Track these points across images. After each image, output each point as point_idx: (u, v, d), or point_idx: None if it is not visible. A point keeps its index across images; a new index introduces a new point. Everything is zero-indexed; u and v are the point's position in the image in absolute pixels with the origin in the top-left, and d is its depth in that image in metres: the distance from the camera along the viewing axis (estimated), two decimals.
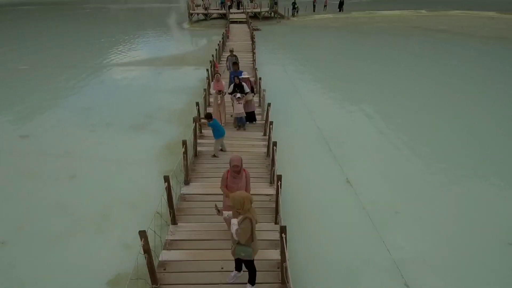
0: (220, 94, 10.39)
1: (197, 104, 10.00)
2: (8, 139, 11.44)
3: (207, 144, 9.39)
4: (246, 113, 10.44)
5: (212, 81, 11.12)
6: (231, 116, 10.91)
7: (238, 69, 11.97)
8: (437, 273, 6.11)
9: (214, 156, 8.85)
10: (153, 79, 18.39)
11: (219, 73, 11.09)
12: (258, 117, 11.38)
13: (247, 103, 10.48)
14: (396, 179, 9.04)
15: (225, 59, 14.73)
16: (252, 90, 10.78)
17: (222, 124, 9.65)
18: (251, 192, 5.35)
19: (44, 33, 34.85)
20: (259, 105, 12.28)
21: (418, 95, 15.52)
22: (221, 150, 9.08)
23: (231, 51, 14.38)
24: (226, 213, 5.17)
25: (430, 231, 7.13)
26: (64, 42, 29.59)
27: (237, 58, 13.94)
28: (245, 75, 11.18)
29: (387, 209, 7.78)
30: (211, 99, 11.34)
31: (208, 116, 8.48)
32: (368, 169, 9.43)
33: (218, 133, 8.62)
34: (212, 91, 10.55)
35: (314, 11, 42.95)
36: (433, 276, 6.04)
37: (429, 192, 8.49)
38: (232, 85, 10.48)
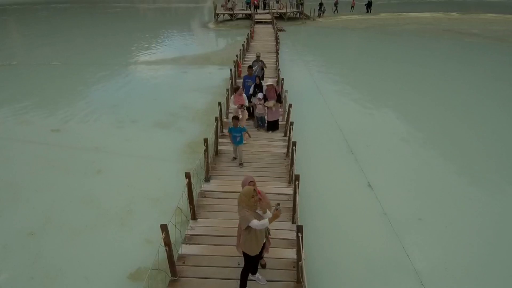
0: (241, 108, 9.98)
1: (220, 104, 10.17)
2: (41, 132, 12.01)
3: (228, 143, 9.51)
4: (269, 121, 10.17)
5: (233, 93, 10.58)
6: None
7: (253, 73, 11.53)
8: (458, 283, 5.95)
9: (234, 158, 8.74)
10: (178, 77, 18.79)
11: (239, 86, 10.58)
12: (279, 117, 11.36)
13: (270, 111, 10.05)
14: (420, 185, 8.81)
15: (251, 64, 13.50)
16: (278, 99, 10.09)
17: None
18: (269, 192, 5.41)
19: (76, 31, 36.33)
20: (283, 119, 11.30)
21: (446, 98, 15.09)
22: (234, 158, 8.76)
23: (258, 56, 13.74)
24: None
25: (453, 240, 6.94)
26: (94, 39, 30.72)
27: (264, 64, 13.51)
28: (269, 82, 10.46)
29: (410, 216, 7.62)
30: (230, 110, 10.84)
31: (235, 119, 8.25)
32: (391, 174, 9.27)
33: (235, 141, 8.39)
34: (233, 106, 9.94)
35: (336, 11, 42.02)
36: (455, 286, 5.89)
37: (454, 199, 8.25)
38: (252, 86, 10.57)
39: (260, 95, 10.07)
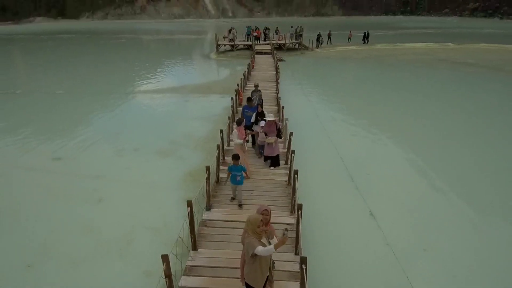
0: (246, 142, 9.69)
1: (221, 131, 10.28)
2: (42, 160, 12.06)
3: None
4: (269, 156, 9.85)
5: (233, 124, 10.33)
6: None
7: (253, 104, 11.42)
8: None
9: (233, 198, 8.09)
10: (180, 106, 19.09)
11: (243, 119, 10.05)
12: (280, 145, 11.43)
13: (270, 146, 9.68)
14: (424, 215, 8.70)
15: (251, 94, 13.65)
16: (278, 134, 9.79)
17: (246, 178, 8.70)
18: (271, 221, 5.36)
19: (80, 60, 37.23)
20: (284, 147, 11.26)
21: (445, 126, 15.23)
22: (233, 198, 8.13)
23: (256, 86, 13.90)
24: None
25: (461, 273, 6.78)
26: (98, 69, 31.46)
27: (261, 94, 13.54)
28: (270, 117, 9.91)
29: (414, 246, 7.49)
30: (232, 143, 10.38)
31: (236, 158, 7.58)
32: (393, 203, 9.21)
33: (234, 180, 7.77)
34: (237, 140, 9.25)
35: (330, 42, 43.13)
36: None
37: (460, 229, 8.13)
38: (254, 114, 10.66)
39: (262, 123, 10.02)
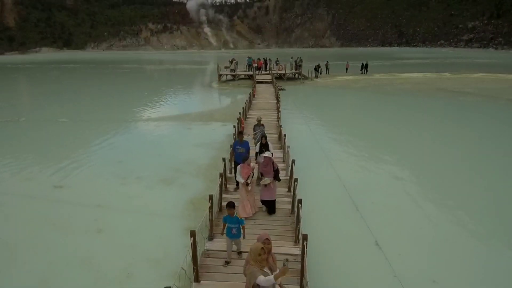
0: (251, 179, 8.55)
1: (224, 160, 10.28)
2: (43, 188, 11.98)
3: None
4: (266, 201, 8.59)
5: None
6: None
7: (243, 140, 10.29)
8: None
9: (227, 262, 6.72)
10: (183, 133, 19.23)
11: (248, 155, 8.99)
12: (282, 172, 11.37)
13: (267, 188, 8.38)
14: (432, 245, 8.49)
15: (253, 129, 12.93)
16: (275, 175, 8.47)
17: (248, 216, 8.05)
18: (275, 251, 5.27)
19: (84, 89, 37.96)
20: (286, 175, 10.97)
21: (447, 155, 15.24)
22: (237, 252, 6.97)
23: (259, 120, 12.99)
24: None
25: None
26: (102, 97, 32.00)
27: (264, 129, 12.48)
28: (266, 154, 8.80)
29: (423, 278, 7.26)
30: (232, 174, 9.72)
31: (230, 206, 6.51)
32: (399, 232, 9.03)
33: (229, 233, 6.62)
34: (241, 179, 8.39)
35: (327, 72, 44.29)
36: None
37: (470, 260, 7.91)
38: (258, 144, 10.45)
39: (267, 153, 8.89)
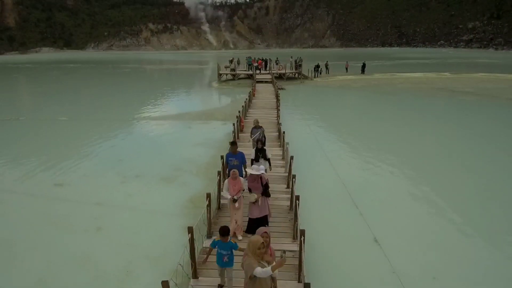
0: (238, 198, 7.28)
1: (222, 157, 10.26)
2: (43, 187, 11.98)
3: None
4: (254, 220, 7.47)
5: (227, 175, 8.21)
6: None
7: (236, 150, 8.91)
8: None
9: (220, 286, 5.88)
10: (183, 132, 19.25)
11: (236, 170, 7.58)
12: (281, 170, 11.39)
13: (254, 206, 7.41)
14: (432, 242, 8.46)
15: (251, 131, 12.44)
16: (264, 191, 7.46)
17: (234, 239, 6.41)
18: (273, 248, 5.29)
19: (84, 88, 38.02)
20: (285, 171, 10.74)
21: (447, 153, 15.25)
22: (221, 286, 5.92)
23: (257, 122, 12.40)
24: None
25: None
26: (102, 96, 32.03)
27: (264, 131, 12.07)
28: (254, 169, 7.61)
29: (423, 274, 7.25)
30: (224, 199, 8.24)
31: (224, 233, 5.52)
32: (398, 229, 9.02)
33: (220, 261, 5.60)
34: (227, 195, 7.27)
35: (327, 72, 44.39)
36: None
37: (470, 257, 7.90)
38: (254, 150, 9.65)
39: (254, 169, 7.71)
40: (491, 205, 10.49)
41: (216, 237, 5.64)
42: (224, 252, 5.50)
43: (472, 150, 15.86)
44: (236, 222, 7.39)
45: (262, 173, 7.60)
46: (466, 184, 12.08)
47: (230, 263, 5.57)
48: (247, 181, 7.73)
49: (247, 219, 7.65)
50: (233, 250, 5.59)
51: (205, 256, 6.25)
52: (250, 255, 4.31)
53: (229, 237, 5.52)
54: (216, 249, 5.63)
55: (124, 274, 7.42)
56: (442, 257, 7.83)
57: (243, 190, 7.50)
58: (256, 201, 7.32)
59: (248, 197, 7.42)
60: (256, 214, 7.45)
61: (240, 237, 7.38)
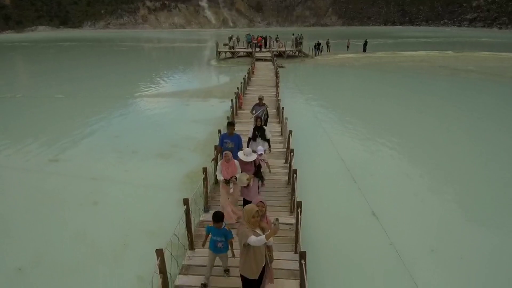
0: (233, 182, 6.76)
1: (219, 131, 10.10)
2: (38, 162, 11.87)
3: None
4: (247, 202, 6.79)
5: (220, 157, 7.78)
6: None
7: (233, 132, 8.01)
8: None
9: (203, 285, 5.32)
10: (181, 110, 19.03)
11: (228, 152, 6.87)
12: (280, 145, 11.26)
13: (246, 189, 6.91)
14: (431, 216, 8.45)
15: (252, 108, 11.75)
16: (257, 173, 7.00)
17: (229, 225, 5.99)
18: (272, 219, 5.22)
19: (81, 66, 37.39)
20: (284, 147, 10.60)
21: (449, 129, 15.16)
22: (223, 270, 5.64)
23: (261, 99, 11.70)
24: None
25: (471, 273, 6.57)
26: (99, 74, 31.51)
27: (267, 109, 11.54)
28: (248, 156, 6.87)
29: (420, 246, 7.26)
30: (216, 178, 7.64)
31: (217, 219, 5.22)
32: (397, 203, 9.00)
33: (214, 247, 5.35)
34: (220, 176, 6.81)
35: (328, 50, 43.59)
36: None
37: (468, 230, 7.93)
38: (252, 129, 8.97)
39: (260, 149, 7.87)
40: (490, 182, 10.45)
41: (210, 222, 5.40)
42: (218, 239, 5.29)
43: (473, 128, 15.71)
44: (231, 210, 6.89)
45: (261, 154, 7.34)
46: (466, 160, 11.99)
47: (224, 249, 5.40)
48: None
49: (239, 207, 7.12)
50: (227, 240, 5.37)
51: (203, 240, 5.79)
52: (244, 224, 4.25)
53: (223, 223, 5.27)
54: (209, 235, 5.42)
55: (120, 247, 7.41)
56: (441, 231, 7.82)
57: (233, 179, 6.73)
58: (248, 184, 6.74)
59: (240, 177, 6.67)
60: (248, 197, 6.85)
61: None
